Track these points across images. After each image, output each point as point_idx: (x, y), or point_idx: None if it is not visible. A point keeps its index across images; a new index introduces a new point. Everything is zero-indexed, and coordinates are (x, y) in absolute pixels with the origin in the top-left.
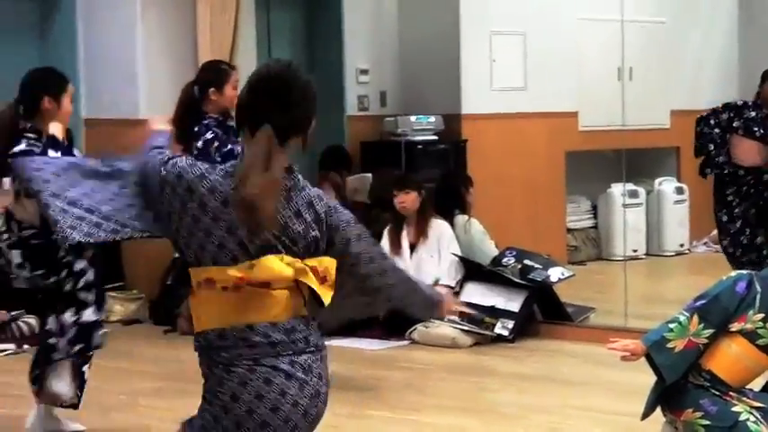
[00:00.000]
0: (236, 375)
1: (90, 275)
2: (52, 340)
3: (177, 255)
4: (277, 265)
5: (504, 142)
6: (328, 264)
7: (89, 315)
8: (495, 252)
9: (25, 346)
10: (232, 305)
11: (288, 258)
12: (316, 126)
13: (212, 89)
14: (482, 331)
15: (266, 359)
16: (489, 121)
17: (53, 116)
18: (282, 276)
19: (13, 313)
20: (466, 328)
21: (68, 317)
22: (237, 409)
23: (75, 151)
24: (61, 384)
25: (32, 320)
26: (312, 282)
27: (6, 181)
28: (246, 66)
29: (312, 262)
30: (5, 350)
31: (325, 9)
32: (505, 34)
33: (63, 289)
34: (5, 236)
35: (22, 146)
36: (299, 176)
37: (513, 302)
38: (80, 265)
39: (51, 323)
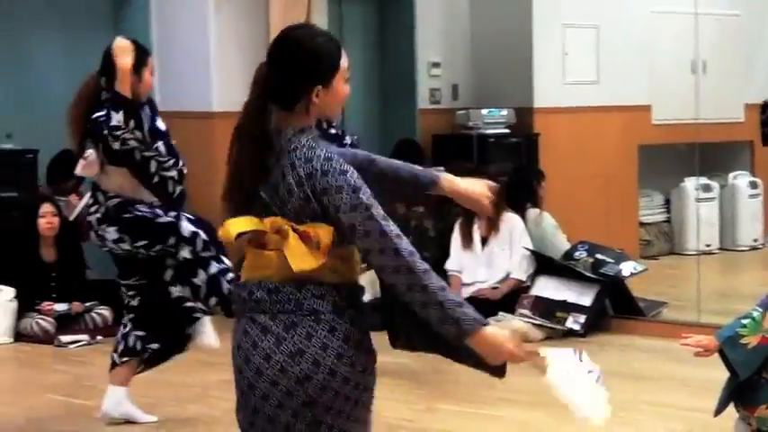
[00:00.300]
0: (236, 328)
1: (202, 235)
2: (189, 304)
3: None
4: (248, 224)
5: (576, 136)
6: (322, 231)
7: (213, 268)
8: (567, 246)
9: (98, 337)
10: (246, 263)
11: (274, 219)
12: (330, 96)
13: None
14: (553, 325)
15: (251, 313)
16: (562, 115)
17: (134, 90)
18: (256, 233)
19: (86, 304)
20: (537, 322)
21: (199, 279)
22: (232, 358)
23: (159, 120)
24: (210, 337)
25: (106, 312)
26: (284, 244)
27: (91, 152)
28: None
29: (304, 227)
30: (79, 341)
31: (397, 2)
32: (578, 27)
33: (178, 256)
34: (94, 208)
35: (103, 112)
36: (306, 139)
37: (584, 297)
38: (188, 228)
39: (179, 291)
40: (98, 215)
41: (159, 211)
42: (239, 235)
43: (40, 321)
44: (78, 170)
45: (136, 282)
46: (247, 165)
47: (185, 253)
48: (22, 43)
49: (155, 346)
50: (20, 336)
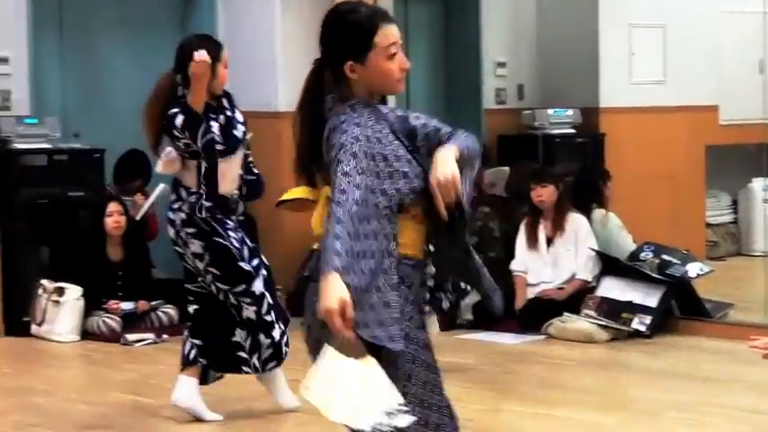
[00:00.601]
0: None
1: (269, 299)
2: (243, 354)
3: (315, 246)
4: (294, 193)
5: (642, 136)
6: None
7: (277, 333)
8: (633, 247)
9: (164, 336)
10: None
11: (323, 187)
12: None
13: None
14: (619, 326)
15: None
16: (628, 115)
17: (210, 86)
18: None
19: (152, 303)
20: (603, 323)
21: (263, 342)
22: None
23: (237, 112)
24: (288, 400)
25: (171, 310)
26: (315, 207)
27: (170, 149)
28: None
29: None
30: (145, 339)
31: (462, 2)
32: (645, 27)
33: (241, 314)
34: (177, 204)
35: (176, 108)
36: (341, 107)
37: (650, 298)
38: (260, 288)
39: (240, 336)
40: (182, 215)
41: (245, 253)
42: (280, 203)
43: (106, 320)
44: (159, 168)
45: (197, 288)
46: (304, 136)
47: (249, 313)
48: (90, 43)
49: (203, 361)
50: (86, 334)
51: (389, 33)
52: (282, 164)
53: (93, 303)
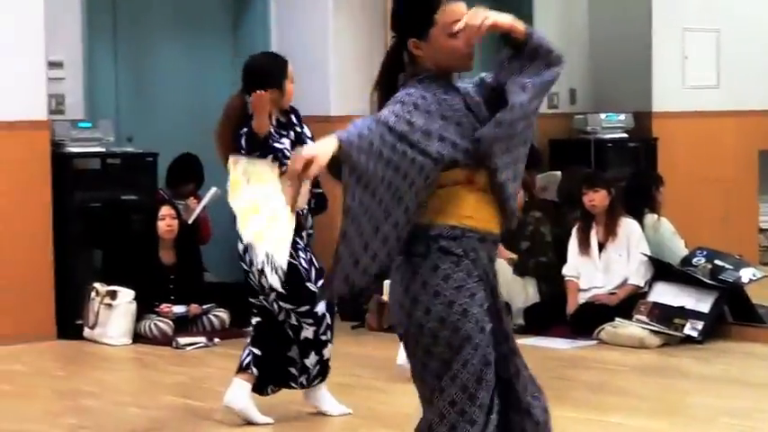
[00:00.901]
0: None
1: (328, 319)
2: (293, 370)
3: None
4: None
5: (695, 141)
6: None
7: (327, 352)
8: (685, 252)
9: (215, 340)
10: None
11: None
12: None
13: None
14: (671, 332)
15: None
16: (681, 120)
17: (278, 103)
18: None
19: (204, 307)
20: (654, 328)
21: (310, 361)
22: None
23: (305, 128)
24: (333, 407)
25: (223, 314)
26: None
27: None
28: None
29: None
30: (196, 343)
31: (515, 7)
32: (698, 31)
33: (300, 334)
34: None
35: (246, 129)
36: (413, 81)
37: (702, 303)
38: (322, 309)
39: (293, 353)
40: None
41: (313, 274)
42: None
43: (158, 323)
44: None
45: (258, 302)
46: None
47: (308, 333)
48: (144, 47)
49: (255, 371)
50: (138, 337)
51: (454, 10)
52: None
53: (145, 307)
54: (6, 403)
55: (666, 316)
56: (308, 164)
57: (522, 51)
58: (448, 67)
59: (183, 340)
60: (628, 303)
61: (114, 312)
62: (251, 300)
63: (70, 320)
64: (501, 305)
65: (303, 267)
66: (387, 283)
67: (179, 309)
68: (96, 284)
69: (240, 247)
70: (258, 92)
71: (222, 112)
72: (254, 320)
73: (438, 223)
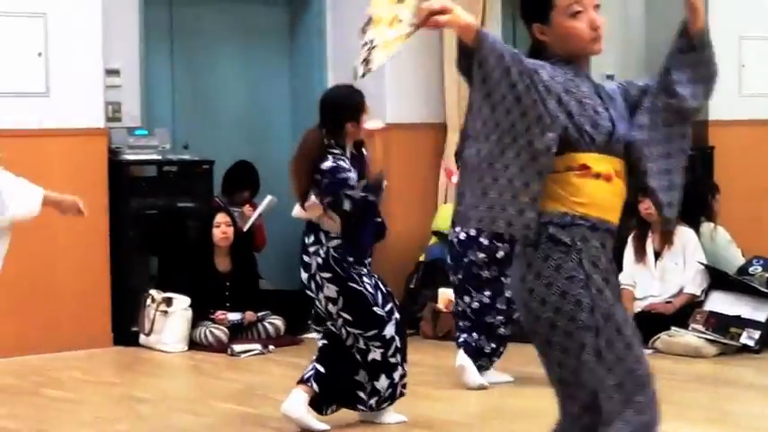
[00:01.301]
0: None
1: (397, 342)
2: (361, 394)
3: (422, 258)
4: None
5: (752, 149)
6: None
7: (397, 375)
8: (742, 261)
9: (270, 347)
10: None
11: None
12: None
13: None
14: (727, 341)
15: None
16: (737, 128)
17: (355, 136)
18: None
19: (259, 314)
20: (711, 337)
21: (380, 384)
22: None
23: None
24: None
25: (278, 321)
26: None
27: (312, 198)
28: None
29: None
30: (251, 350)
31: None
32: (755, 39)
33: (367, 356)
34: (314, 248)
35: (330, 162)
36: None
37: (759, 312)
38: (391, 331)
39: (361, 376)
40: (319, 259)
41: (379, 298)
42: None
43: (213, 330)
44: (295, 212)
45: (324, 328)
46: None
47: (376, 355)
48: (200, 55)
49: (315, 387)
50: (194, 344)
51: None
52: (390, 174)
53: (200, 314)
54: (61, 409)
55: (723, 325)
56: (444, 12)
57: (694, 48)
58: (574, 52)
59: (237, 347)
60: (684, 312)
61: (170, 319)
62: (315, 328)
63: (126, 327)
64: (616, 292)
65: (369, 292)
66: (441, 291)
67: (234, 316)
68: (152, 291)
69: (304, 276)
70: (374, 123)
71: (297, 146)
72: (320, 343)
73: (549, 210)
